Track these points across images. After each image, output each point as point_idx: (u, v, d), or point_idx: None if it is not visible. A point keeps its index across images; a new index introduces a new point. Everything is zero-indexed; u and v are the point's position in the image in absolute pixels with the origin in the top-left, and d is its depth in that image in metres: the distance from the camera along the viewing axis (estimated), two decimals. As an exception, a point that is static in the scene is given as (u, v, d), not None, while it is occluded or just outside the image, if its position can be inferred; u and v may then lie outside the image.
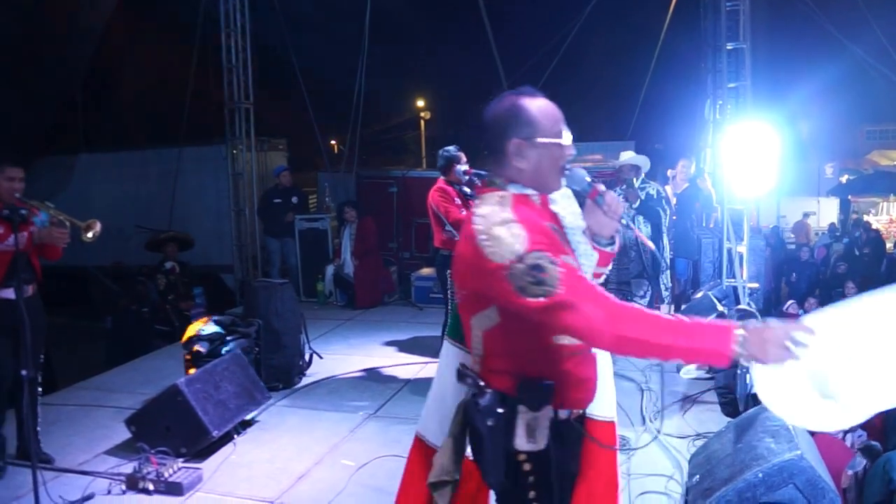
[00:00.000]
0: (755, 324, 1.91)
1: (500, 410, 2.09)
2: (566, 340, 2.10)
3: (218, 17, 10.60)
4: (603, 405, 2.46)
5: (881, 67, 12.32)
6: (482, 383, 2.15)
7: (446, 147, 6.50)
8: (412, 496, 3.05)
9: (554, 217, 2.23)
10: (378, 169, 14.15)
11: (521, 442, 2.10)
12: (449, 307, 6.22)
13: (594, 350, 2.24)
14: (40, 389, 4.86)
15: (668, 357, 1.98)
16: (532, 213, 2.09)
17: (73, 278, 12.44)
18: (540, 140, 2.11)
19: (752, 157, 7.35)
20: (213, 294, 11.21)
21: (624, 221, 2.33)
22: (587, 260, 2.30)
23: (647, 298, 7.18)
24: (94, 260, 13.29)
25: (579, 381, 2.20)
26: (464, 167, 6.27)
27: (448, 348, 3.09)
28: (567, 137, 2.16)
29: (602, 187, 2.28)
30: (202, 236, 11.59)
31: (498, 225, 1.99)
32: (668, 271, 7.30)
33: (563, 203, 2.29)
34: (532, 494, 2.15)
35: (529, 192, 2.15)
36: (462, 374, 2.23)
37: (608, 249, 2.36)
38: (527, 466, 2.13)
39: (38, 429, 4.74)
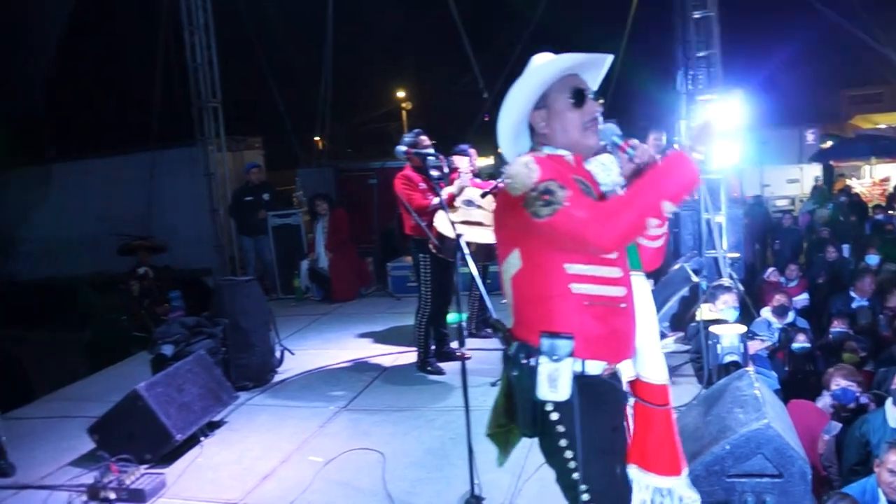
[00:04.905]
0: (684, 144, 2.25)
1: (523, 361, 2.25)
2: (585, 288, 2.26)
3: (180, 15, 10.42)
4: (652, 369, 2.49)
5: (855, 30, 12.18)
6: (510, 334, 2.35)
7: (406, 133, 6.34)
8: None
9: (586, 174, 2.41)
10: (358, 161, 14.01)
11: (544, 391, 2.23)
12: (422, 292, 6.09)
13: (624, 305, 2.36)
14: None
15: (661, 211, 2.17)
16: (555, 164, 2.30)
17: (53, 290, 12.28)
18: (555, 107, 2.40)
19: (724, 127, 7.26)
20: (196, 297, 11.07)
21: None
22: None
23: None
24: (74, 270, 13.13)
25: (604, 335, 2.30)
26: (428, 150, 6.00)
27: None
28: (586, 97, 2.41)
29: (633, 140, 2.46)
30: (182, 239, 11.43)
31: (517, 165, 2.28)
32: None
33: (602, 165, 2.44)
34: (563, 443, 2.27)
35: (563, 152, 2.40)
36: (496, 327, 2.44)
37: None
38: (554, 416, 2.26)
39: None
